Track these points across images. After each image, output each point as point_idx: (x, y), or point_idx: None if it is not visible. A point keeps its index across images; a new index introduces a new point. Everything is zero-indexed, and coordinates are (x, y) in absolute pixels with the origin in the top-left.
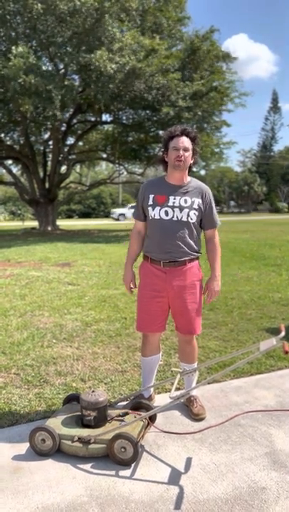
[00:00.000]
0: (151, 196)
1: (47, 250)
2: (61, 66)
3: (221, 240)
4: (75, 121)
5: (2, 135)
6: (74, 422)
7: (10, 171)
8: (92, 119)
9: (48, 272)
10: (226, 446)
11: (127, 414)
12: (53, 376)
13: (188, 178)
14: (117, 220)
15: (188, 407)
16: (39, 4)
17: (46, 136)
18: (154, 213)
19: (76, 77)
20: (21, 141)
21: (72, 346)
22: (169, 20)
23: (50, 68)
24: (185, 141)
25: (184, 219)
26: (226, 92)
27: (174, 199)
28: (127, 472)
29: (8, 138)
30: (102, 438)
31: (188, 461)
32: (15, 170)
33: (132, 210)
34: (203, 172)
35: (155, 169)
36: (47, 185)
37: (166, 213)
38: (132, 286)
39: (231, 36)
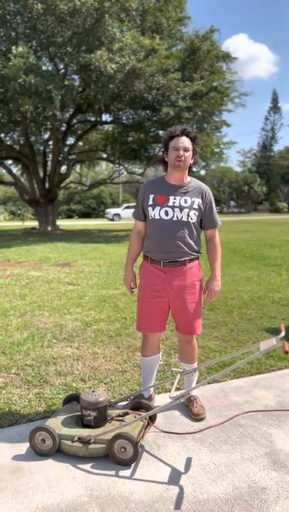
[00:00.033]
0: (151, 196)
1: (47, 250)
2: (61, 66)
3: (221, 240)
4: (75, 121)
5: (2, 135)
6: (74, 422)
7: (10, 171)
8: (92, 119)
9: (48, 272)
10: (226, 446)
11: (127, 414)
12: (53, 376)
13: (188, 178)
14: (112, 220)
15: (188, 407)
16: (39, 4)
17: (46, 136)
18: (154, 213)
19: (76, 77)
20: (21, 141)
21: (72, 346)
22: (169, 20)
23: (50, 68)
24: (185, 141)
25: (184, 219)
26: (226, 92)
27: (174, 199)
28: (127, 472)
29: (8, 138)
30: (102, 438)
31: (188, 461)
32: (15, 170)
33: (127, 211)
34: (203, 172)
35: (155, 169)
36: (47, 185)
37: (166, 213)
38: (132, 286)
39: (231, 36)
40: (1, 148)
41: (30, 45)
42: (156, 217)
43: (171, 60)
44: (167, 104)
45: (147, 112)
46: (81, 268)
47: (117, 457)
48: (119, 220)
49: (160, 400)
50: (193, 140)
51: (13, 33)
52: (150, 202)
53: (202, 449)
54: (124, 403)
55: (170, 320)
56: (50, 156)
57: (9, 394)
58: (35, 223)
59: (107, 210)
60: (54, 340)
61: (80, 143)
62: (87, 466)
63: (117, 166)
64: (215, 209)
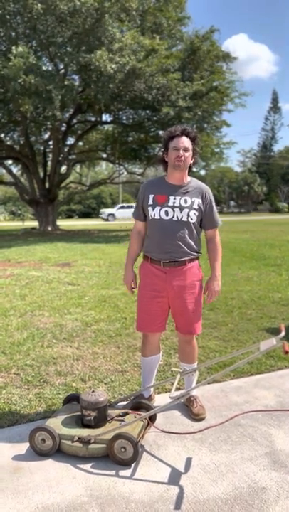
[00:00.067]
0: (152, 196)
1: (47, 250)
2: (61, 66)
3: (221, 240)
4: (75, 121)
5: (2, 135)
6: (74, 422)
7: (10, 171)
8: (92, 119)
9: (48, 272)
10: (226, 446)
11: (127, 414)
12: (53, 376)
13: (189, 178)
14: (106, 220)
15: (188, 407)
16: (39, 4)
17: (46, 136)
18: (154, 213)
19: (76, 77)
20: (21, 141)
21: (72, 346)
22: (169, 20)
23: (50, 68)
24: (185, 141)
25: (184, 219)
26: (226, 92)
27: (174, 199)
28: (127, 472)
29: (8, 138)
30: (102, 438)
31: (188, 461)
32: (15, 170)
33: (121, 211)
34: (203, 172)
35: (155, 169)
36: (47, 185)
37: (167, 213)
38: (132, 286)
39: (231, 36)
40: (1, 149)
41: (30, 45)
42: (157, 217)
43: (171, 60)
44: (167, 104)
45: (147, 111)
46: (81, 268)
47: (117, 457)
48: (113, 220)
49: (160, 399)
50: (193, 140)
51: (13, 33)
52: (150, 202)
53: (202, 449)
54: (124, 403)
55: (170, 320)
56: (50, 156)
57: (9, 394)
58: (35, 223)
59: (102, 210)
60: (54, 340)
61: (80, 143)
62: (87, 466)
63: (117, 166)
64: (215, 209)
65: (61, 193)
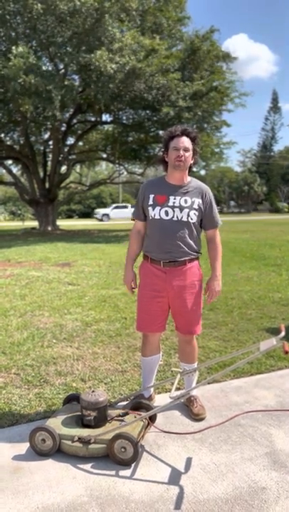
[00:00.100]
0: (152, 196)
1: (47, 250)
2: (61, 66)
3: (222, 240)
4: (75, 121)
5: (2, 135)
6: (74, 422)
7: (10, 171)
8: (92, 119)
9: (48, 272)
10: (226, 446)
11: (127, 414)
12: (53, 376)
13: (189, 178)
14: (101, 220)
15: (188, 407)
16: (39, 4)
17: (46, 136)
18: (154, 213)
19: (76, 77)
20: (21, 141)
21: (73, 346)
22: (169, 20)
23: (50, 68)
24: (185, 141)
25: (184, 219)
26: (226, 92)
27: (174, 199)
28: (127, 472)
29: (8, 138)
30: (102, 438)
31: (189, 461)
32: (15, 170)
33: (116, 211)
34: (203, 172)
35: (155, 169)
36: (47, 185)
37: (167, 213)
38: (132, 286)
39: (231, 36)
40: (1, 149)
41: (30, 45)
42: (157, 217)
43: (171, 60)
44: (167, 104)
45: (147, 111)
46: (81, 268)
47: (117, 457)
48: (108, 221)
49: (160, 399)
50: (193, 140)
51: (13, 33)
52: (150, 202)
53: (202, 449)
54: (124, 403)
55: (170, 320)
56: (50, 156)
57: (9, 394)
58: (35, 223)
59: (96, 211)
60: (54, 340)
61: (80, 143)
62: (88, 466)
63: (117, 166)
64: (216, 209)
65: (61, 193)
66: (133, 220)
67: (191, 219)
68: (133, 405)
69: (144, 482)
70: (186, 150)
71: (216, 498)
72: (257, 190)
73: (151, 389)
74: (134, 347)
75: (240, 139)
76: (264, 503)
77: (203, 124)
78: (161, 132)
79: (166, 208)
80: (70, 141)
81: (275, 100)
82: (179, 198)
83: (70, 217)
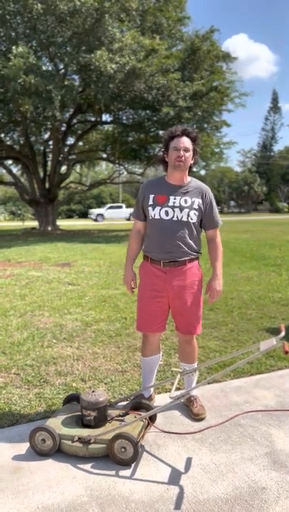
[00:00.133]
0: (152, 196)
1: (47, 250)
2: (61, 66)
3: (222, 240)
4: (75, 121)
5: (2, 135)
6: (74, 422)
7: (10, 171)
8: (92, 119)
9: (48, 272)
10: (226, 446)
11: (127, 414)
12: (53, 376)
13: (189, 178)
14: (95, 220)
15: (188, 407)
16: (39, 4)
17: (46, 136)
18: (154, 213)
19: (76, 77)
20: (21, 141)
21: (73, 346)
22: (169, 20)
23: (50, 68)
24: (185, 142)
25: (184, 219)
26: (226, 92)
27: (175, 199)
28: (127, 472)
29: (8, 138)
30: (102, 438)
31: (189, 461)
32: (15, 170)
33: (110, 211)
34: (203, 172)
35: (155, 169)
36: (47, 185)
37: (167, 213)
38: (132, 286)
39: (231, 36)
40: (1, 149)
41: (30, 45)
42: (157, 217)
43: (171, 60)
44: (167, 104)
45: (147, 111)
46: (81, 268)
47: (117, 457)
48: (102, 221)
49: (160, 399)
50: (193, 140)
51: (13, 33)
52: (150, 202)
53: (202, 449)
54: (124, 403)
55: (170, 320)
56: (50, 156)
57: (9, 394)
58: (35, 223)
59: (91, 211)
60: (54, 340)
61: (80, 143)
62: (88, 466)
63: (117, 166)
64: (216, 209)
65: (61, 193)
66: (129, 219)
67: (191, 219)
68: (133, 405)
69: (144, 482)
70: (186, 150)
71: (216, 498)
72: (257, 190)
73: (151, 389)
74: (134, 347)
75: (240, 139)
76: (264, 503)
77: (203, 124)
78: (161, 132)
79: (166, 208)
80: (70, 141)
81: (275, 100)
82: (179, 198)
83: (70, 217)
